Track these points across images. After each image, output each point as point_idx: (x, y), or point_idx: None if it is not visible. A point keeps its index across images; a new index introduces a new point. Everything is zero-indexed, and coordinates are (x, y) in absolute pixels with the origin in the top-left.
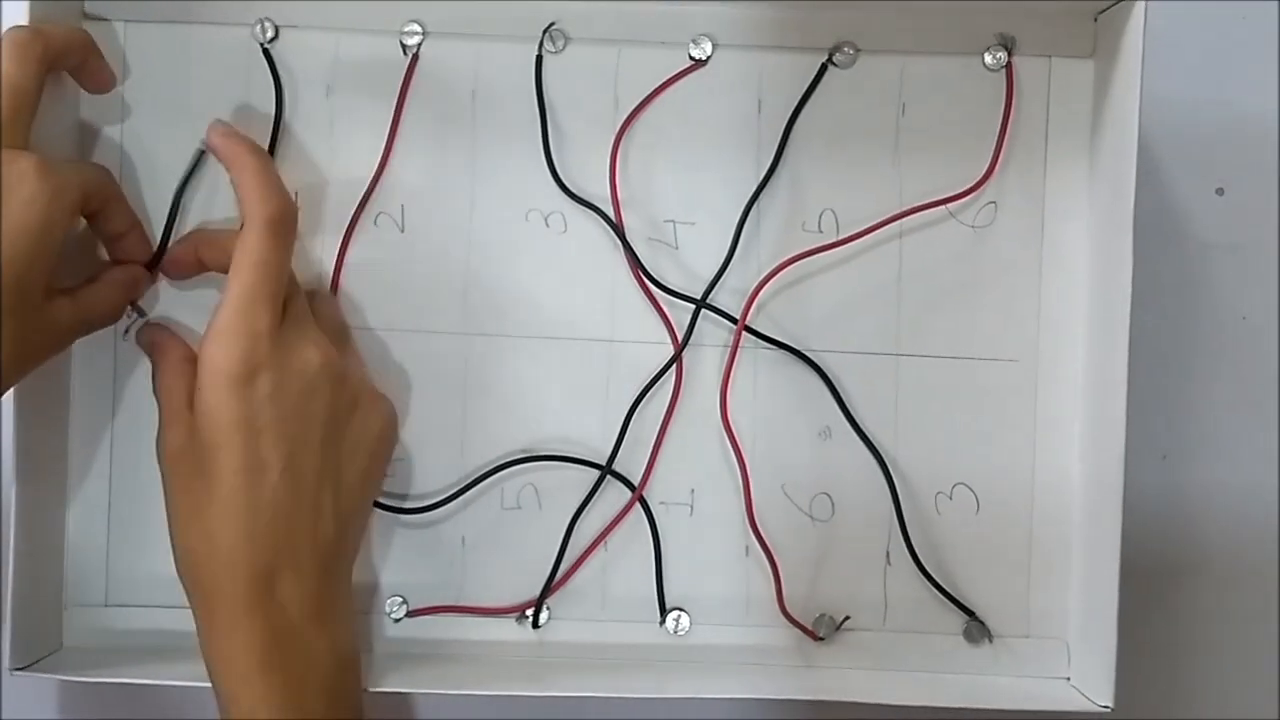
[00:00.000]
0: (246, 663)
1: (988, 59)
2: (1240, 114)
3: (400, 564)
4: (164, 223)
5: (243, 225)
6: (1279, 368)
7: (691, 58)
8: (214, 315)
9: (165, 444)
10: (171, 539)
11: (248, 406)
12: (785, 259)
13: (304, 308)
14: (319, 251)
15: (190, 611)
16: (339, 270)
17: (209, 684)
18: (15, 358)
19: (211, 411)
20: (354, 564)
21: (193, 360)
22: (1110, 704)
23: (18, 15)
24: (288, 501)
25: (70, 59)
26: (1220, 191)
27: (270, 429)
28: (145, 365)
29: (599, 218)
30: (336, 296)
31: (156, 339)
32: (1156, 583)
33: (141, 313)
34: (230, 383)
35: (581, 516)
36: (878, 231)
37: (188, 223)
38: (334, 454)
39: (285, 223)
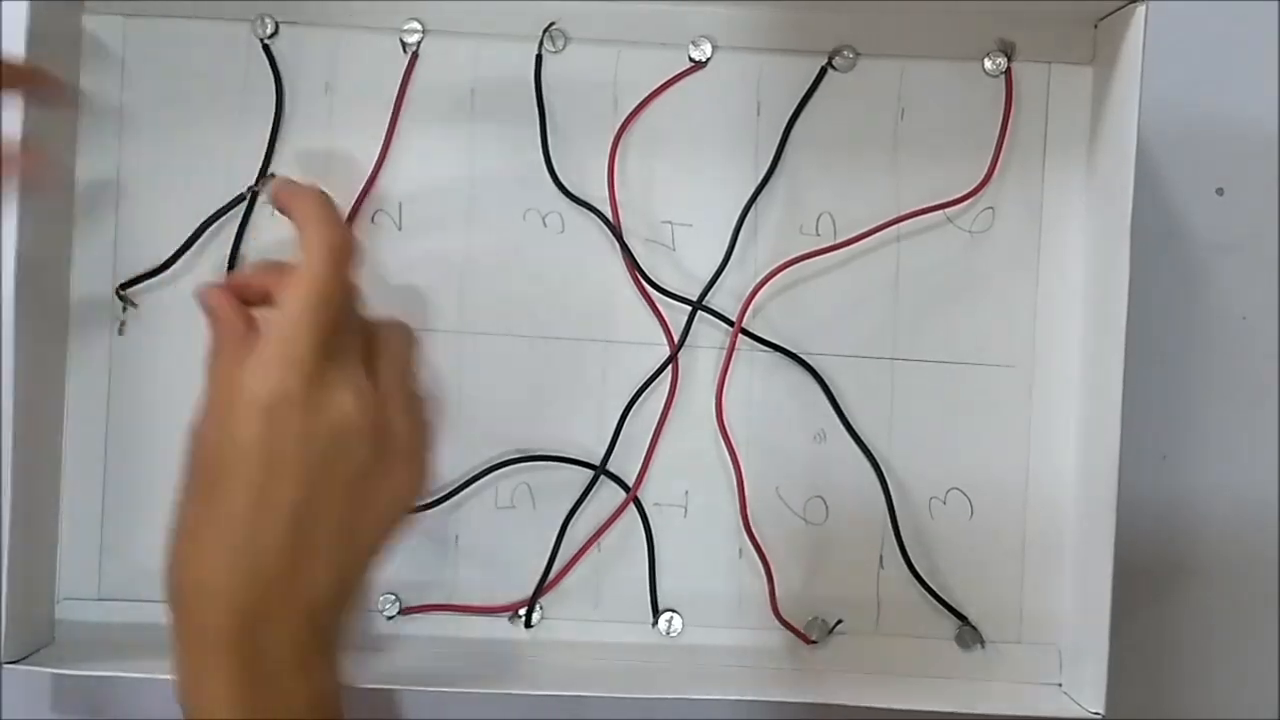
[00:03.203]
0: (217, 702)
1: (987, 64)
2: (1240, 114)
3: (393, 562)
4: (162, 221)
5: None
6: (1279, 368)
7: (691, 59)
8: (260, 338)
9: (202, 431)
10: (170, 542)
11: (272, 441)
12: (782, 262)
13: (357, 346)
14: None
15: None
16: None
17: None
18: None
19: (235, 435)
20: (351, 618)
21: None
22: (1102, 710)
23: (18, 14)
24: (289, 547)
25: (15, 88)
26: (1220, 191)
27: (289, 469)
28: (141, 363)
29: (597, 218)
30: (415, 335)
31: (217, 307)
32: (1154, 585)
33: (133, 304)
34: (260, 413)
35: (575, 517)
36: (875, 235)
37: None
38: (351, 511)
39: (346, 251)
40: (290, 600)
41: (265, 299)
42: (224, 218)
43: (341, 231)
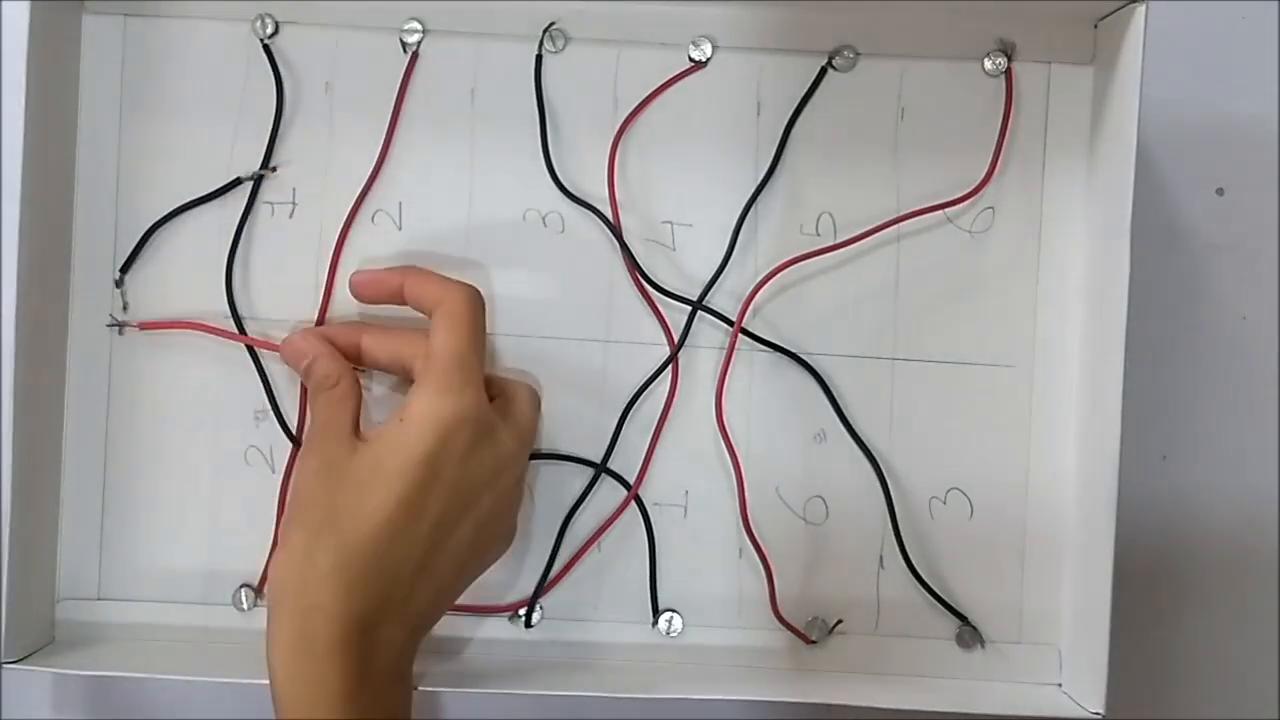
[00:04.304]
0: (326, 703)
1: (987, 64)
2: (1240, 114)
3: None
4: (160, 219)
5: (437, 308)
6: (1279, 368)
7: (691, 59)
8: (425, 369)
9: (319, 454)
10: (283, 538)
11: (440, 454)
12: (782, 262)
13: (511, 392)
14: (317, 249)
15: (191, 606)
16: (335, 267)
17: (201, 678)
18: None
19: (408, 444)
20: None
21: (355, 392)
22: (1102, 710)
23: (18, 14)
24: (420, 554)
25: None
26: (1220, 192)
27: (445, 484)
28: (140, 363)
29: (597, 218)
30: (537, 397)
31: (308, 356)
32: (1154, 584)
33: (123, 301)
34: (438, 427)
35: (575, 516)
36: (875, 235)
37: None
38: (474, 542)
39: (480, 300)
40: (403, 613)
41: (355, 352)
42: (222, 217)
43: (467, 286)
